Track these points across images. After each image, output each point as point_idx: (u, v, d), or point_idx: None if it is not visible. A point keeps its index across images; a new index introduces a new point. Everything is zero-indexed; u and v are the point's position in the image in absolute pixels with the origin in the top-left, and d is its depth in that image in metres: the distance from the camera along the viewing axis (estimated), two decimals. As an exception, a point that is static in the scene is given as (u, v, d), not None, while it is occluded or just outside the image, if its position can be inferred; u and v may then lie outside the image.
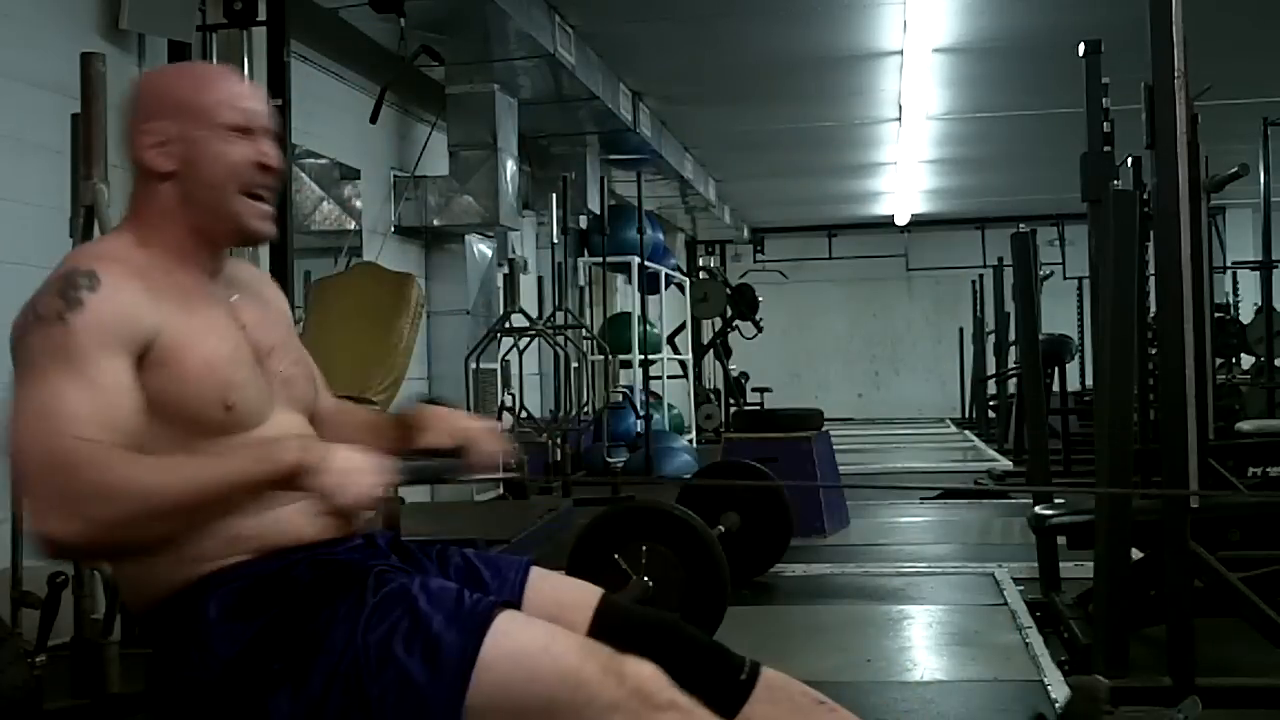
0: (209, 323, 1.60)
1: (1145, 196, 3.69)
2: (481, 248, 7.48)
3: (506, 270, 7.53)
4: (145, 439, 1.49)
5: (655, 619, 1.76)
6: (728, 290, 12.98)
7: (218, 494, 1.45)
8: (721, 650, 1.73)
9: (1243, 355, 9.52)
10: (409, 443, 1.77)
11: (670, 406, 10.97)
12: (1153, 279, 3.39)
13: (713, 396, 13.31)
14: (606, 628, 1.66)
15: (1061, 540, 3.85)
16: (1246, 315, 9.57)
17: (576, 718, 1.45)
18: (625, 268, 10.20)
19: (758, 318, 13.14)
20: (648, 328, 9.85)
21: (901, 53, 7.43)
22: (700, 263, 15.28)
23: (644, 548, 3.23)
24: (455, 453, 1.72)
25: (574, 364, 7.96)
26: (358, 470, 1.48)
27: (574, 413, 7.88)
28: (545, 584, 1.75)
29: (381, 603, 1.50)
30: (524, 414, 7.47)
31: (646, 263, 9.49)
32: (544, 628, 1.52)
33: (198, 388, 1.54)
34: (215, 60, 4.91)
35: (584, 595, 1.75)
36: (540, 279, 9.26)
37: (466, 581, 1.67)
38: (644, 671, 1.48)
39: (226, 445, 1.55)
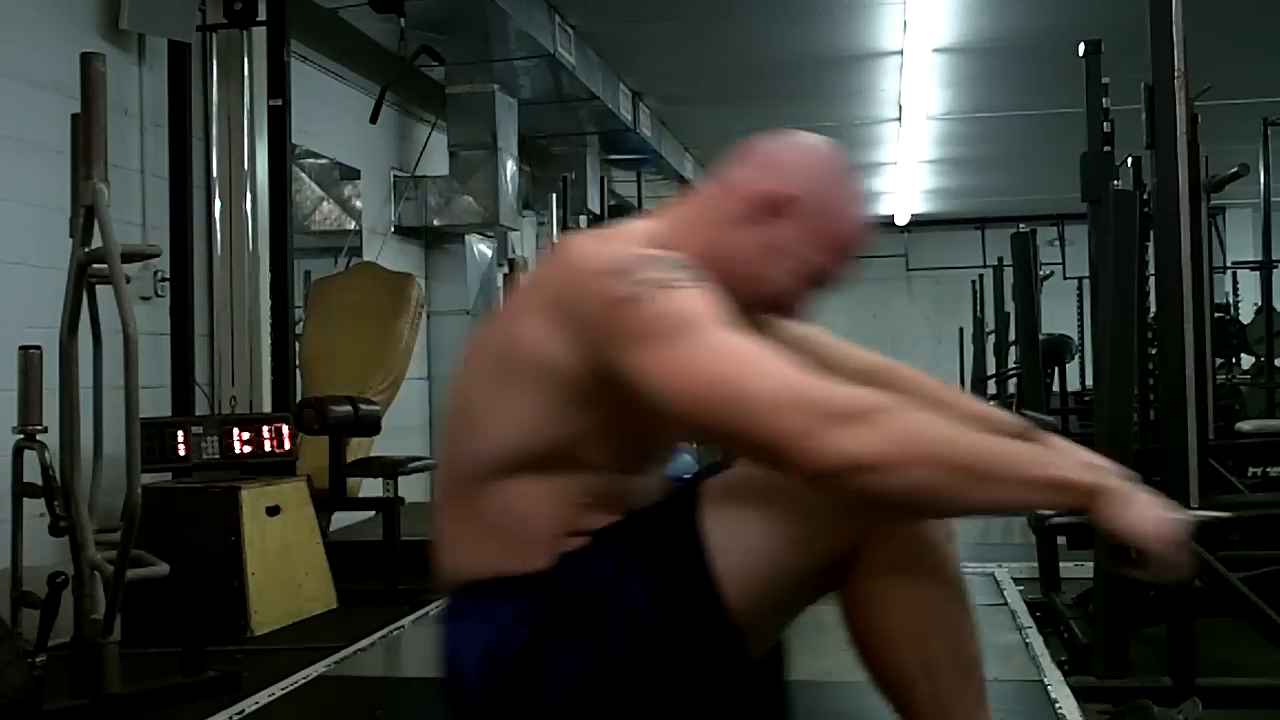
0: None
1: (1145, 196, 3.69)
2: (481, 248, 7.48)
3: (506, 270, 7.53)
4: (575, 438, 1.48)
5: None
6: (728, 290, 12.97)
7: (1006, 470, 1.35)
8: None
9: (1243, 355, 9.51)
10: None
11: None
12: (1153, 279, 3.39)
13: (713, 396, 13.30)
14: None
15: (1061, 540, 3.85)
16: (1246, 315, 9.56)
17: (826, 519, 1.44)
18: (625, 268, 10.20)
19: (758, 318, 13.13)
20: (648, 328, 9.83)
21: (901, 53, 7.43)
22: (700, 263, 15.28)
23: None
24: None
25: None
26: (1156, 505, 1.34)
27: (574, 413, 7.87)
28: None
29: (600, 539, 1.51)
30: (524, 414, 7.47)
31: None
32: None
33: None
34: (216, 62, 4.93)
35: None
36: (540, 279, 9.25)
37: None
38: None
39: (617, 483, 1.54)
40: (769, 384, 1.36)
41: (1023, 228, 4.60)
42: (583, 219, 8.84)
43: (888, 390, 1.62)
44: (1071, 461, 1.39)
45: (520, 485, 1.51)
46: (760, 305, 1.60)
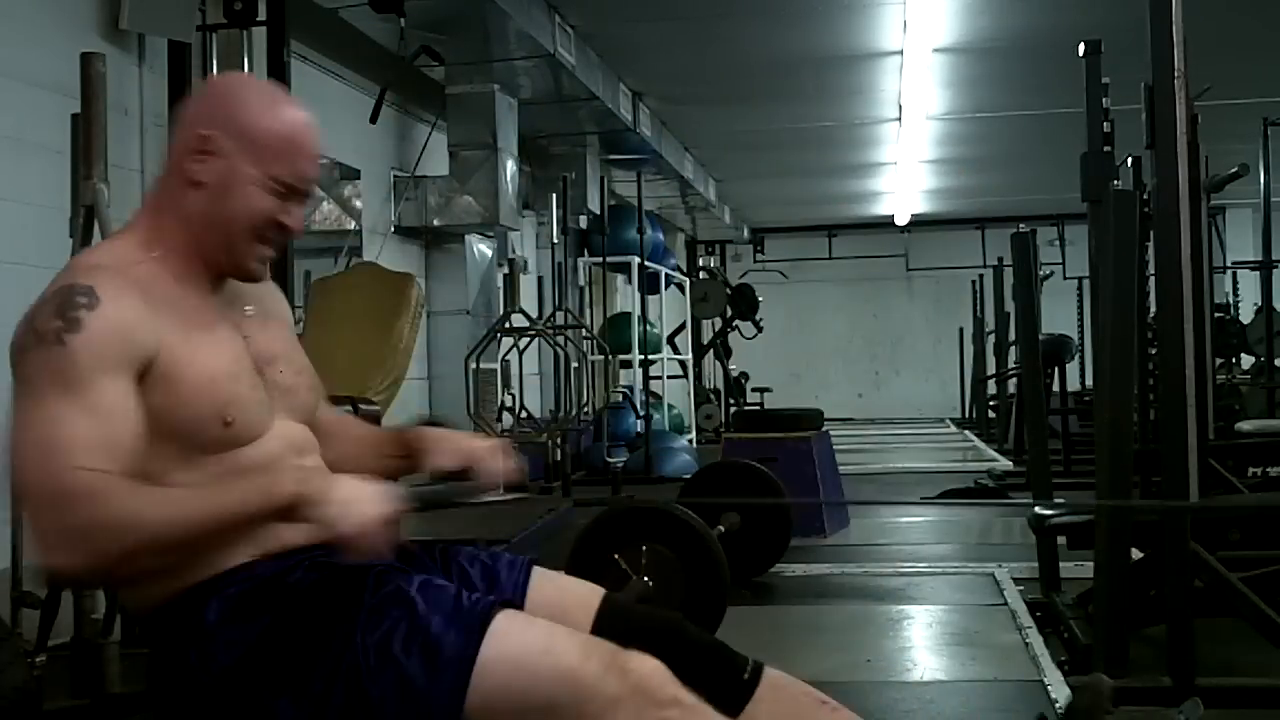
0: (209, 336, 1.59)
1: (1145, 196, 3.69)
2: (481, 248, 7.49)
3: (506, 270, 7.53)
4: (145, 457, 1.49)
5: (658, 618, 1.76)
6: (728, 290, 12.98)
7: (218, 526, 1.47)
8: (724, 649, 1.73)
9: (1243, 355, 9.52)
10: (412, 464, 1.78)
11: (670, 406, 10.97)
12: (1153, 279, 3.39)
13: (713, 396, 13.31)
14: (609, 626, 1.66)
15: (1061, 540, 3.85)
16: (1246, 315, 9.57)
17: (578, 717, 1.45)
18: (625, 268, 10.20)
19: (758, 318, 13.14)
20: (648, 328, 9.84)
21: (901, 53, 7.43)
22: (700, 263, 15.29)
23: (644, 548, 3.22)
24: (463, 474, 1.72)
25: (574, 364, 7.95)
26: (360, 500, 1.48)
27: (574, 413, 7.88)
28: (547, 583, 1.75)
29: (380, 604, 1.50)
30: (524, 414, 7.47)
31: (646, 263, 9.48)
32: (544, 627, 1.52)
33: (196, 404, 1.54)
34: (216, 62, 4.92)
35: (586, 594, 1.75)
36: (540, 279, 9.26)
37: (468, 581, 1.67)
38: (646, 667, 1.49)
39: (225, 461, 1.55)
40: (40, 479, 1.41)
41: (1023, 228, 4.59)
42: (583, 219, 8.85)
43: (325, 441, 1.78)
44: (283, 480, 1.49)
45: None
46: (252, 240, 1.63)
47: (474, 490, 1.72)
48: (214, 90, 1.69)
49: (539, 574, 1.75)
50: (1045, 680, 3.02)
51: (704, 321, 13.44)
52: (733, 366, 13.71)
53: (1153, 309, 3.90)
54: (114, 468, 1.42)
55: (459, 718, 1.45)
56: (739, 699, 1.63)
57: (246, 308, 1.69)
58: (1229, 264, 10.30)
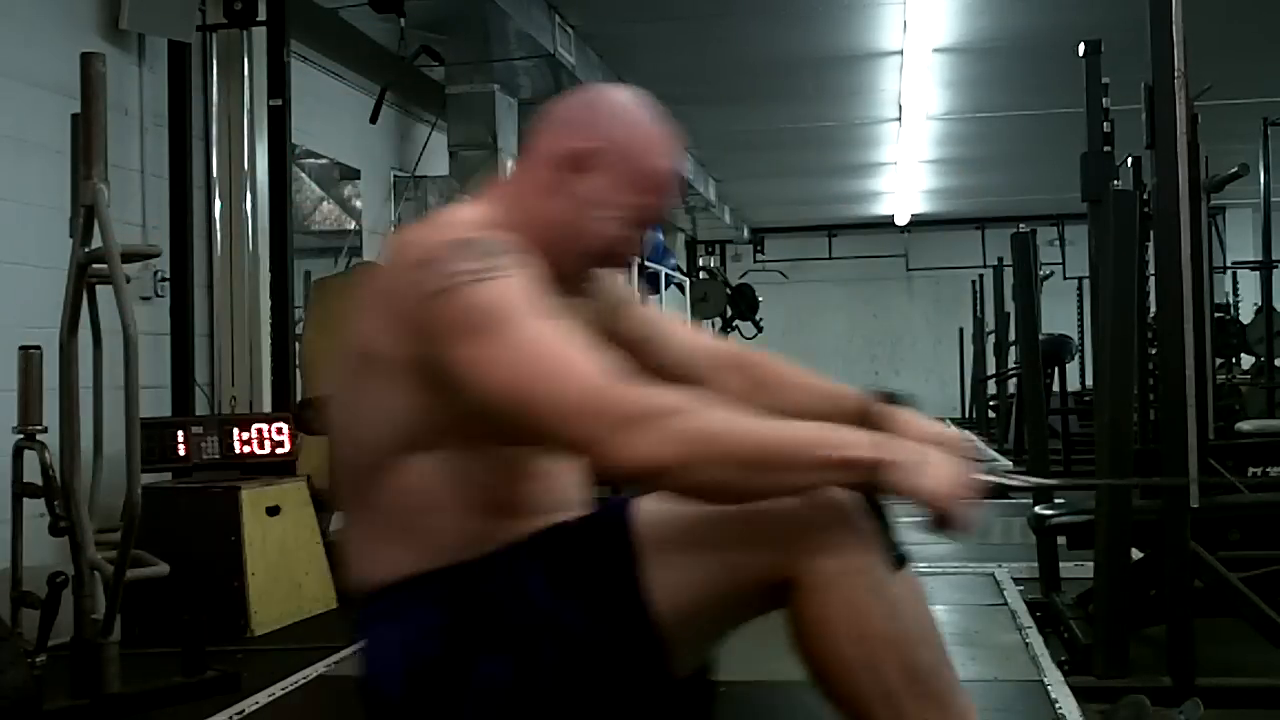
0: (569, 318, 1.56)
1: (1145, 196, 3.69)
2: (481, 248, 7.48)
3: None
4: (435, 425, 1.47)
5: None
6: (728, 290, 12.98)
7: (794, 455, 1.37)
8: (888, 520, 1.62)
9: (1243, 355, 9.51)
10: None
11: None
12: (1153, 279, 3.39)
13: (713, 396, 13.30)
14: None
15: (1061, 540, 3.85)
16: (1246, 315, 9.57)
17: (762, 548, 1.43)
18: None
19: (758, 318, 13.14)
20: (648, 328, 9.83)
21: (901, 53, 7.43)
22: (700, 263, 15.29)
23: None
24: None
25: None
26: (944, 465, 1.37)
27: (574, 413, 7.87)
28: None
29: (534, 553, 1.50)
30: (524, 414, 7.47)
31: (646, 263, 9.48)
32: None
33: None
34: (216, 62, 4.93)
35: None
36: (540, 279, 9.26)
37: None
38: (834, 489, 1.43)
39: (509, 455, 1.53)
40: (567, 386, 1.37)
41: (1023, 228, 4.60)
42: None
43: (737, 374, 1.76)
44: (862, 439, 1.39)
45: (409, 477, 1.50)
46: (593, 261, 1.62)
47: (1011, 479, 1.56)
48: (603, 104, 1.63)
49: None
50: (1045, 680, 3.02)
51: (704, 321, 13.44)
52: (733, 366, 13.70)
53: (1153, 309, 3.90)
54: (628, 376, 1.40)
55: (648, 609, 1.44)
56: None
57: (582, 301, 1.65)
58: (1229, 264, 10.30)
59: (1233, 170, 5.52)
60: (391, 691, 1.51)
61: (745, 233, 15.60)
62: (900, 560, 1.45)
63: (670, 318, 1.85)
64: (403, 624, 1.51)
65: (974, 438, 1.63)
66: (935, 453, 1.39)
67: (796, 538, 1.43)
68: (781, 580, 1.45)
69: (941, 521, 1.37)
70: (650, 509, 1.49)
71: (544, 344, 1.39)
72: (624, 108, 1.64)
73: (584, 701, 1.47)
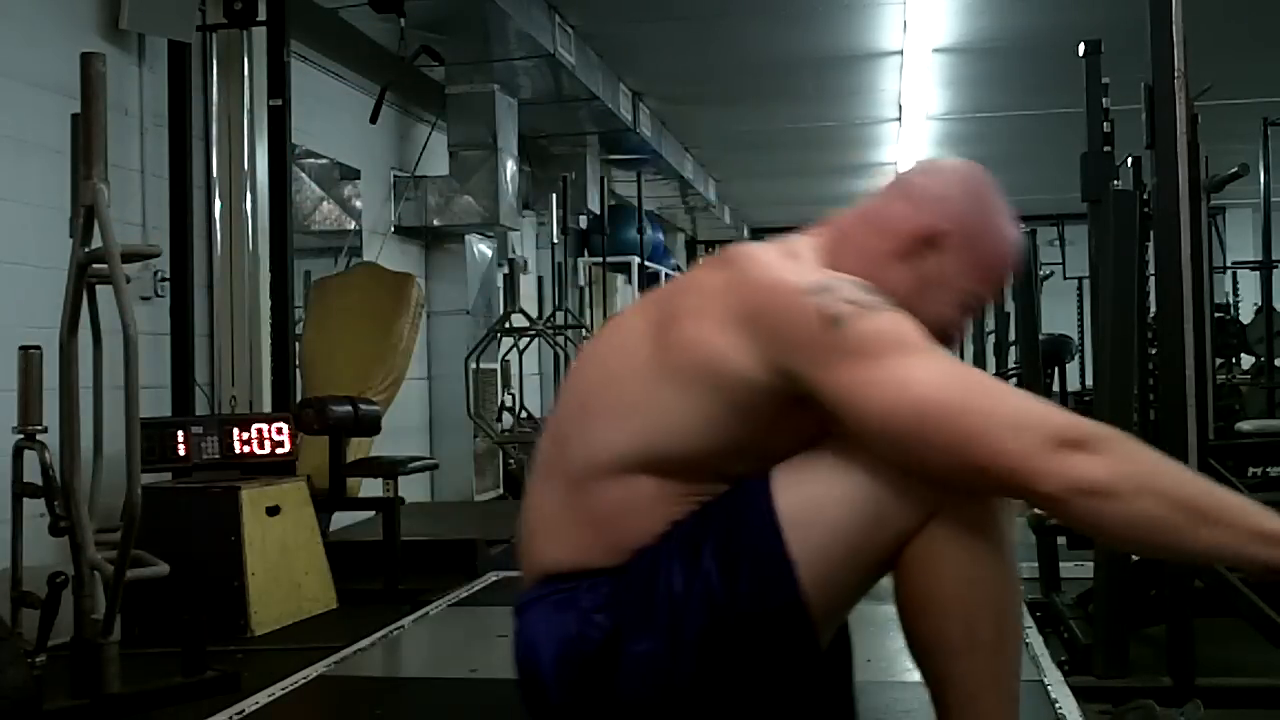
0: None
1: (1145, 196, 3.69)
2: (481, 248, 7.49)
3: (506, 270, 7.53)
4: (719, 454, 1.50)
5: None
6: (728, 290, 12.96)
7: (1233, 520, 1.33)
8: None
9: (1243, 355, 9.50)
10: None
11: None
12: (1153, 279, 3.39)
13: (713, 396, 13.30)
14: None
15: (1061, 540, 3.85)
16: (1246, 315, 9.56)
17: (894, 500, 1.45)
18: (625, 268, 10.20)
19: (758, 318, 13.12)
20: (648, 328, 9.82)
21: (901, 53, 7.43)
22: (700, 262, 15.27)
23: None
24: None
25: (574, 364, 7.94)
26: None
27: (574, 413, 7.86)
28: None
29: (688, 538, 1.51)
30: (524, 414, 7.47)
31: (646, 263, 9.49)
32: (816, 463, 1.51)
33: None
34: (216, 62, 4.93)
35: None
36: (540, 279, 9.26)
37: None
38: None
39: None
40: (996, 404, 1.38)
41: (1023, 228, 4.59)
42: (583, 219, 8.85)
43: None
44: (1271, 515, 1.35)
45: (638, 486, 1.51)
46: None
47: None
48: (961, 184, 1.65)
49: None
50: (1045, 680, 3.01)
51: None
52: (733, 366, 13.70)
53: (1153, 309, 3.90)
54: None
55: (792, 571, 1.45)
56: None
57: None
58: (1229, 264, 10.29)
59: (1233, 170, 5.52)
60: (546, 678, 1.54)
61: (745, 233, 15.59)
62: None
63: None
64: (564, 614, 1.53)
65: None
66: None
67: (936, 490, 1.45)
68: (911, 535, 1.48)
69: None
70: (791, 471, 1.50)
71: (958, 368, 1.42)
72: (973, 189, 1.65)
73: (732, 670, 1.48)
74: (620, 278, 11.72)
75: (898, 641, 3.90)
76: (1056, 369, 8.39)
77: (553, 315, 8.06)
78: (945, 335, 1.60)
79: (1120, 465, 1.33)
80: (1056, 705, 2.72)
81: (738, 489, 1.54)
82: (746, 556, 1.47)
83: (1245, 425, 5.87)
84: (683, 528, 1.51)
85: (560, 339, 7.74)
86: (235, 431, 4.28)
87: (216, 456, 4.23)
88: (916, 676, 3.12)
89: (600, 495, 1.53)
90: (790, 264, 1.54)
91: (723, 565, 1.47)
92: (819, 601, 1.48)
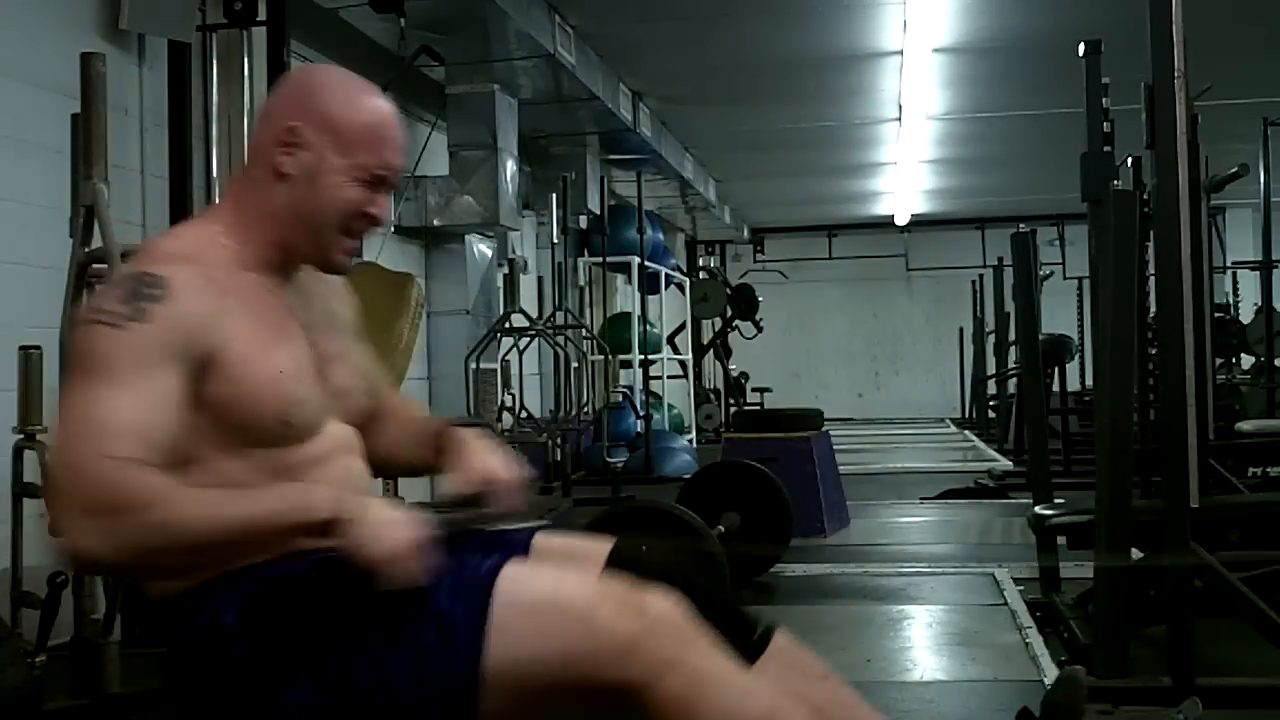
0: (277, 334, 1.60)
1: (1145, 196, 3.69)
2: (481, 248, 7.48)
3: (506, 270, 7.52)
4: (194, 442, 1.51)
5: (671, 566, 1.71)
6: (728, 290, 12.98)
7: (246, 534, 1.46)
8: (738, 606, 1.71)
9: (1243, 355, 9.51)
10: (438, 464, 1.79)
11: (670, 406, 10.96)
12: (1153, 279, 3.39)
13: (713, 396, 13.31)
14: (620, 574, 1.63)
15: (1061, 540, 3.85)
16: (1246, 315, 9.57)
17: (597, 661, 1.43)
18: (625, 268, 10.20)
19: (758, 318, 13.14)
20: (648, 328, 9.85)
21: (901, 53, 7.43)
22: (700, 263, 15.28)
23: (644, 548, 3.22)
24: (476, 499, 1.70)
25: (574, 364, 7.96)
26: (391, 524, 1.47)
27: (574, 413, 7.88)
28: (554, 539, 1.75)
29: (389, 592, 1.50)
30: (524, 414, 7.47)
31: (646, 263, 9.49)
32: (551, 573, 1.53)
33: (258, 400, 1.55)
34: (216, 62, 4.92)
35: (595, 545, 1.74)
36: (540, 279, 9.26)
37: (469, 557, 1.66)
38: (663, 604, 1.47)
39: (273, 456, 1.56)
40: (69, 455, 1.43)
41: (1023, 228, 4.59)
42: (583, 219, 8.85)
43: (378, 417, 1.84)
44: (319, 499, 1.48)
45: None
46: (340, 230, 1.64)
47: (492, 522, 1.69)
48: (298, 82, 1.69)
49: (543, 535, 1.76)
50: (1045, 680, 3.02)
51: (704, 321, 13.44)
52: (733, 366, 13.71)
53: (1153, 309, 3.90)
54: (149, 459, 1.43)
55: (477, 685, 1.45)
56: (747, 658, 1.61)
57: (303, 302, 1.69)
58: (1229, 264, 10.30)
59: (1233, 170, 5.52)
60: (201, 685, 1.53)
61: (745, 233, 15.60)
62: (763, 640, 1.58)
63: (371, 366, 1.90)
64: (205, 618, 1.52)
65: (523, 469, 1.77)
66: (385, 510, 1.48)
67: (636, 654, 1.44)
68: (624, 689, 1.45)
69: (383, 574, 1.45)
70: (519, 578, 1.51)
71: (94, 408, 1.44)
72: (316, 78, 1.69)
73: None
74: (620, 278, 11.72)
75: (897, 641, 3.93)
76: (1056, 369, 8.40)
77: (553, 315, 8.06)
78: (361, 214, 1.64)
79: (126, 538, 1.39)
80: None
81: (462, 578, 1.52)
82: (441, 660, 1.46)
83: (1245, 425, 5.87)
84: (390, 591, 1.50)
85: (560, 339, 7.74)
86: (235, 431, 4.27)
87: (216, 456, 4.22)
88: (917, 676, 3.11)
89: None
90: (141, 258, 1.59)
91: (414, 656, 1.47)
92: (497, 713, 1.48)
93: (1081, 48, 3.83)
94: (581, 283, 9.36)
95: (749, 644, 1.63)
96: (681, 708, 1.44)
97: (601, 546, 1.72)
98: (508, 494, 1.71)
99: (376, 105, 1.66)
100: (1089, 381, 11.16)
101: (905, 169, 11.51)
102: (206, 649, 1.52)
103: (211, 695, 1.52)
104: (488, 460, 1.74)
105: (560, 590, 1.48)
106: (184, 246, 1.61)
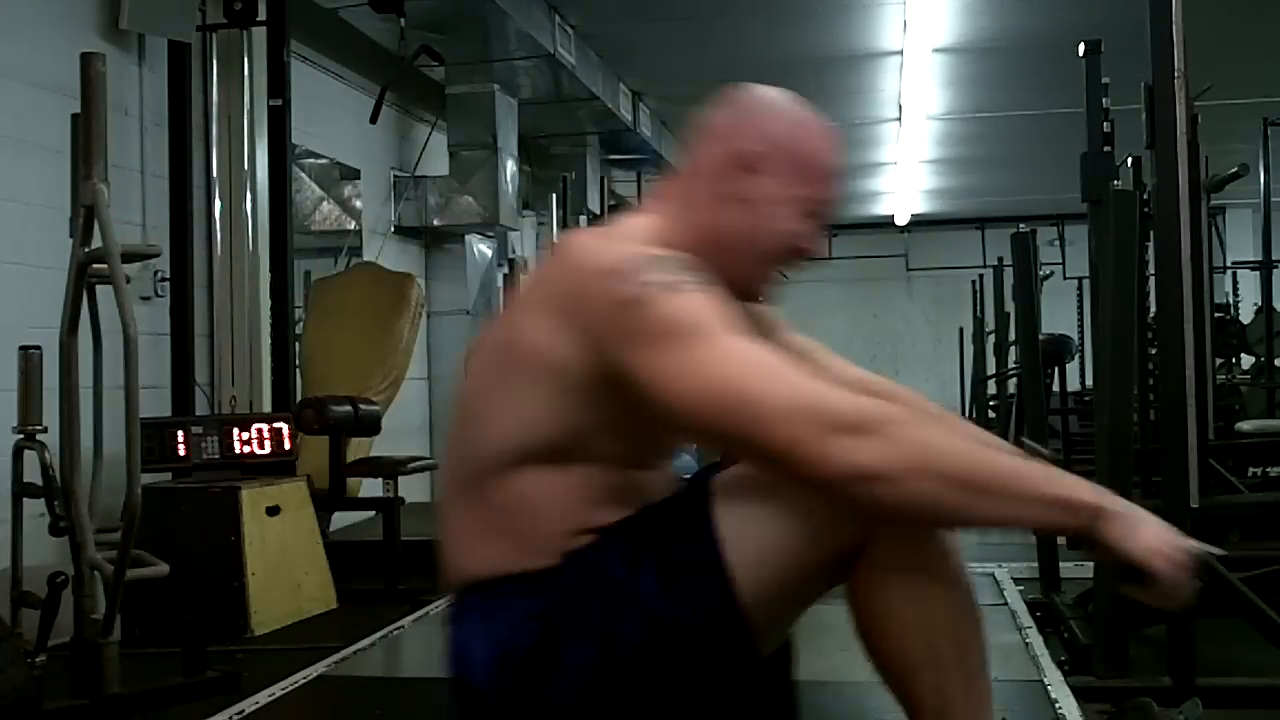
0: None
1: (1145, 196, 3.69)
2: (481, 248, 7.48)
3: (506, 270, 7.52)
4: (593, 425, 1.48)
5: None
6: (728, 290, 12.97)
7: (1008, 489, 1.36)
8: None
9: (1243, 355, 9.50)
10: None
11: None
12: (1153, 279, 3.39)
13: (713, 396, 13.30)
14: None
15: (1061, 540, 3.85)
16: (1246, 315, 9.56)
17: (837, 517, 1.43)
18: (625, 268, 10.20)
19: (758, 318, 13.12)
20: (648, 328, 9.83)
21: (901, 53, 7.43)
22: (700, 263, 15.28)
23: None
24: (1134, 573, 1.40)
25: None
26: (1160, 527, 1.35)
27: (574, 413, 7.87)
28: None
29: (628, 546, 1.50)
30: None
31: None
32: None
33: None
34: (216, 62, 4.93)
35: None
36: (540, 279, 9.26)
37: None
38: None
39: (607, 476, 1.53)
40: (778, 390, 1.36)
41: (1023, 228, 4.59)
42: (583, 219, 8.84)
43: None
44: (1083, 484, 1.38)
45: (528, 480, 1.51)
46: (774, 261, 1.62)
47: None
48: (757, 103, 1.66)
49: None
50: (1045, 680, 3.02)
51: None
52: (733, 366, 13.70)
53: (1153, 309, 3.90)
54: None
55: (729, 585, 1.44)
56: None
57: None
58: (1229, 264, 10.29)
59: (1233, 170, 5.52)
60: (481, 685, 1.52)
61: (745, 233, 15.59)
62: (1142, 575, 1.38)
63: (820, 347, 1.86)
64: (496, 621, 1.51)
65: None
66: (1149, 514, 1.38)
67: (870, 511, 1.43)
68: (854, 549, 1.46)
69: (1146, 581, 1.35)
70: (727, 480, 1.50)
71: (750, 351, 1.40)
72: (776, 104, 1.66)
73: (669, 681, 1.48)
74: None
75: (898, 641, 3.86)
76: (1056, 369, 8.39)
77: (553, 315, 8.05)
78: (798, 248, 1.62)
79: (898, 449, 1.33)
80: (1056, 705, 2.73)
81: (676, 498, 1.54)
82: (685, 569, 1.46)
83: (1245, 425, 5.87)
84: (619, 535, 1.51)
85: (560, 339, 7.73)
86: (235, 431, 4.28)
87: (216, 456, 4.23)
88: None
89: (495, 497, 1.53)
90: (608, 245, 1.53)
91: (661, 576, 1.46)
92: (757, 614, 1.47)
93: (1081, 48, 3.83)
94: (581, 283, 9.35)
95: None
96: (887, 564, 1.46)
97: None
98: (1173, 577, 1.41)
99: (833, 139, 1.64)
100: (1089, 381, 11.16)
101: (905, 169, 11.51)
102: (492, 640, 1.51)
103: (495, 676, 1.51)
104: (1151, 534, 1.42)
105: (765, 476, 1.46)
106: (654, 234, 1.57)
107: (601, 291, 1.44)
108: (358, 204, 6.53)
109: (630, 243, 1.53)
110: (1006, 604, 3.99)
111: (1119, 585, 1.38)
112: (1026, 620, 3.70)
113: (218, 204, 4.93)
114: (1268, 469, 5.04)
